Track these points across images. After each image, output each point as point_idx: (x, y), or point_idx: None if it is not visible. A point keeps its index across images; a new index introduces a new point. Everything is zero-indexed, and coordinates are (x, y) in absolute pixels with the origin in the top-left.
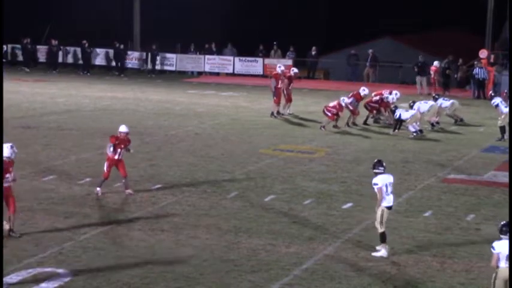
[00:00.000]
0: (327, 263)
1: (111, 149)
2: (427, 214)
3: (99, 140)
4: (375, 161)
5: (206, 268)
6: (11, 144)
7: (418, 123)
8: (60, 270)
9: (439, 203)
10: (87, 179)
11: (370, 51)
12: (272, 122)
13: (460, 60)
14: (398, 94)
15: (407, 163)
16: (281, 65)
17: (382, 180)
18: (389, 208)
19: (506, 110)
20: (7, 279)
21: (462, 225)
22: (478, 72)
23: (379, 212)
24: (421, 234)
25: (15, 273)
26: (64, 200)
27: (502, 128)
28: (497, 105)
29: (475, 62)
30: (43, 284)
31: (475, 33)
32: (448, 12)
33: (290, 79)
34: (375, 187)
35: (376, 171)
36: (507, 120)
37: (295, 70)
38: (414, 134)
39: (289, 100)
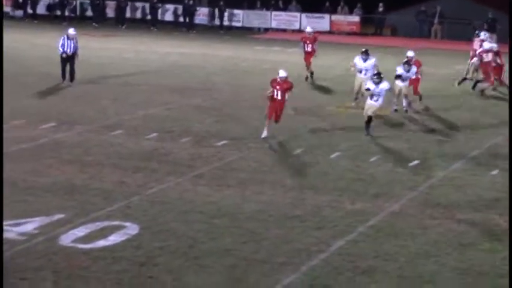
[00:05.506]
0: (392, 220)
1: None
2: (494, 172)
3: (167, 96)
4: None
5: (271, 223)
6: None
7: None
8: (127, 224)
9: (506, 162)
10: (154, 134)
11: (438, 7)
12: (341, 77)
13: None
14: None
15: (474, 122)
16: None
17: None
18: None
19: None
20: (75, 232)
21: None
22: None
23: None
24: (487, 193)
25: (83, 226)
26: (132, 155)
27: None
28: None
29: None
30: (111, 237)
31: None
32: None
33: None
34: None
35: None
36: None
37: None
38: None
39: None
